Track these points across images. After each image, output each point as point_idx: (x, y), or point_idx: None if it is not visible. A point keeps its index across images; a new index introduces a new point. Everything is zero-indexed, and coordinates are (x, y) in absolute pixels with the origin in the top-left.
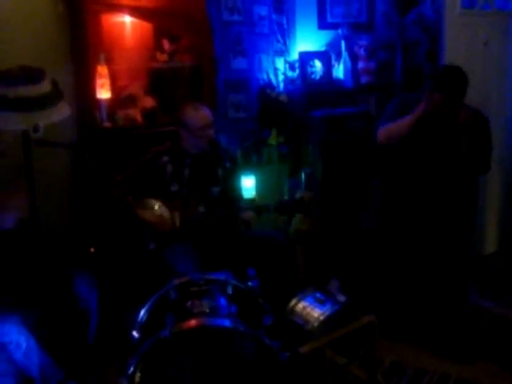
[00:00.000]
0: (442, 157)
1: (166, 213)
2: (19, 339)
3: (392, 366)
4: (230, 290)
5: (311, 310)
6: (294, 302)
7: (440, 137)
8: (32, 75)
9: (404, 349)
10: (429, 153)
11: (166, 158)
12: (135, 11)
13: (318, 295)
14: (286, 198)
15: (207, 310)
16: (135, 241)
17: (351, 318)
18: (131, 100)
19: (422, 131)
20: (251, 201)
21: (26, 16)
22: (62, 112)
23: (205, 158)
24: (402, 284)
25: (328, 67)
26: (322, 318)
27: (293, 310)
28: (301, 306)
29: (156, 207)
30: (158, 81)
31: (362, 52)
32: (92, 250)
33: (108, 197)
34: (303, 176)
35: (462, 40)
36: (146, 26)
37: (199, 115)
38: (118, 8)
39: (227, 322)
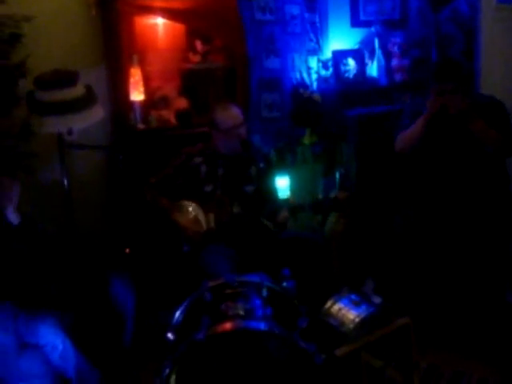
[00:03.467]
0: (463, 151)
1: (200, 215)
2: (55, 341)
3: (429, 369)
4: (264, 293)
5: (347, 312)
6: (329, 303)
7: (455, 132)
8: (66, 79)
9: (441, 351)
10: (449, 149)
11: (199, 159)
12: (167, 12)
13: (353, 297)
14: (320, 197)
15: (242, 313)
16: (170, 242)
17: (387, 320)
18: (164, 101)
19: (436, 132)
20: (286, 201)
21: (60, 21)
22: (95, 115)
23: (237, 158)
24: (437, 285)
25: (361, 65)
26: (357, 320)
27: (328, 312)
28: (336, 307)
29: (191, 210)
30: (191, 82)
31: (395, 49)
32: (127, 250)
33: (142, 198)
34: (337, 176)
35: (498, 35)
36: (179, 27)
37: (229, 115)
38: (151, 10)
39: (262, 325)
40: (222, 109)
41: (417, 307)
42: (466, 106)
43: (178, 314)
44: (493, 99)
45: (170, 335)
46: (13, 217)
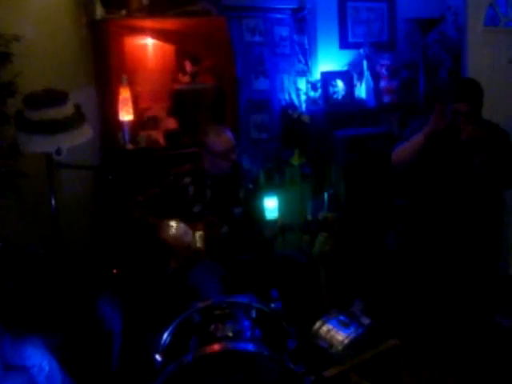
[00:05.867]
0: (462, 174)
1: (188, 234)
2: (42, 362)
3: None
4: (253, 314)
5: (335, 333)
6: (318, 324)
7: (457, 154)
8: (55, 98)
9: (429, 373)
10: (448, 171)
11: (187, 180)
12: (157, 33)
13: (341, 318)
14: (309, 217)
15: (231, 334)
16: (157, 262)
17: (376, 342)
18: (154, 122)
19: (436, 149)
20: (274, 222)
21: (49, 39)
22: (84, 135)
23: (226, 179)
24: (426, 306)
25: (350, 87)
26: (346, 341)
27: (317, 334)
28: (325, 329)
29: (178, 229)
30: (180, 102)
31: (384, 71)
32: (114, 271)
33: (130, 218)
34: (326, 196)
35: (485, 58)
36: (168, 47)
37: (222, 140)
38: (141, 30)
39: (251, 347)
40: (215, 133)
41: (406, 327)
42: (478, 135)
43: (166, 335)
44: (496, 127)
45: (157, 357)
46: None
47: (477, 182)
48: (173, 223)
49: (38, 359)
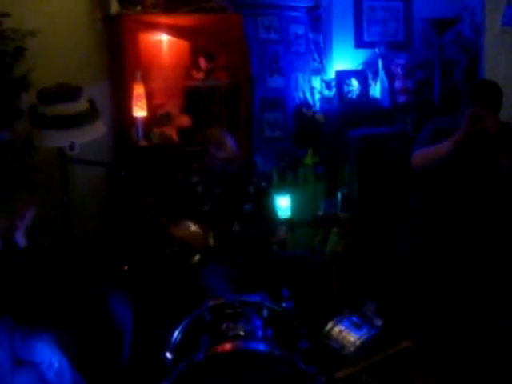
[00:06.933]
0: (482, 176)
1: (199, 232)
2: (52, 359)
3: None
4: (265, 313)
5: (347, 335)
6: (330, 325)
7: (479, 155)
8: (69, 93)
9: (442, 375)
10: (469, 172)
11: (195, 179)
12: (172, 30)
13: (354, 319)
14: (320, 213)
15: (242, 334)
16: (170, 258)
17: (388, 343)
18: (167, 118)
19: (460, 152)
20: (286, 220)
21: (64, 35)
22: (97, 130)
23: (234, 176)
24: (439, 308)
25: (365, 86)
26: (358, 342)
27: (329, 334)
28: (337, 329)
29: (190, 226)
30: (194, 99)
31: (399, 71)
32: (125, 267)
33: (142, 218)
34: (339, 196)
35: (502, 58)
36: (183, 44)
37: (224, 150)
38: (156, 26)
39: (262, 346)
40: (217, 143)
41: (418, 329)
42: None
43: (176, 333)
44: (509, 126)
45: (168, 355)
46: (21, 240)
47: (497, 180)
48: (184, 222)
49: (48, 355)
